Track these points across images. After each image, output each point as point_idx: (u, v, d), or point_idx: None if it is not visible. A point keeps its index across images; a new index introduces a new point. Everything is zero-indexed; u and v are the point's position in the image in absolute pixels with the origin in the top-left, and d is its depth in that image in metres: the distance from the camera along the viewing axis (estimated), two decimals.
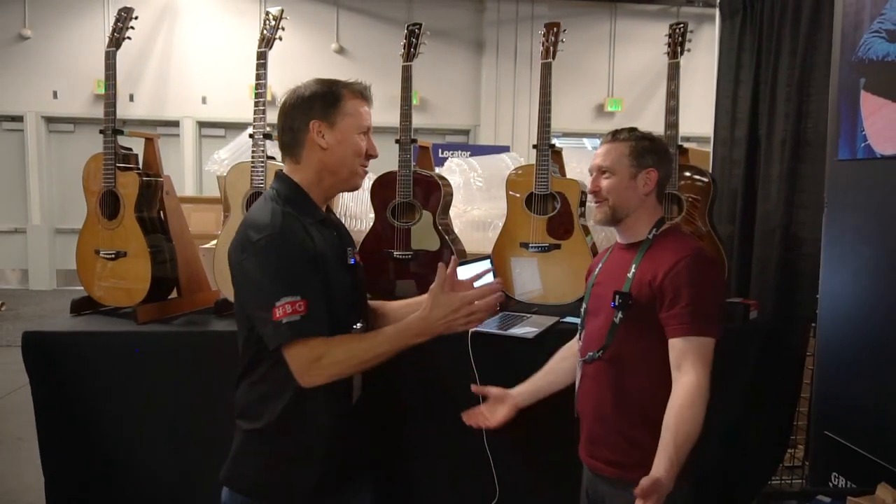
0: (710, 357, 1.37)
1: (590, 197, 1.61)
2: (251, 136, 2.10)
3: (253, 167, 2.08)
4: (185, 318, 2.13)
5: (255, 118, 2.08)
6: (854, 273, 1.61)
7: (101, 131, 2.08)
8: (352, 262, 1.44)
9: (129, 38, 2.13)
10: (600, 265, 1.62)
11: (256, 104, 2.10)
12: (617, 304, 1.46)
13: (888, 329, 1.46)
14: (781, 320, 2.36)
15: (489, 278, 2.22)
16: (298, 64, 7.64)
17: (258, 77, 2.09)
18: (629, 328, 1.46)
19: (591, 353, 1.52)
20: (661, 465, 1.27)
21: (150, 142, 2.20)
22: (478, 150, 5.00)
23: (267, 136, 2.08)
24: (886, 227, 1.48)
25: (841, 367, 1.64)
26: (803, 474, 2.67)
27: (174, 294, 2.22)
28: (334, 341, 1.28)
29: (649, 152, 1.50)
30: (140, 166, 2.18)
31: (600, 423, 1.52)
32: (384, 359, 1.30)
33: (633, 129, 1.55)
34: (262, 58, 2.09)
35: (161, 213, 2.19)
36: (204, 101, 7.78)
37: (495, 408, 1.63)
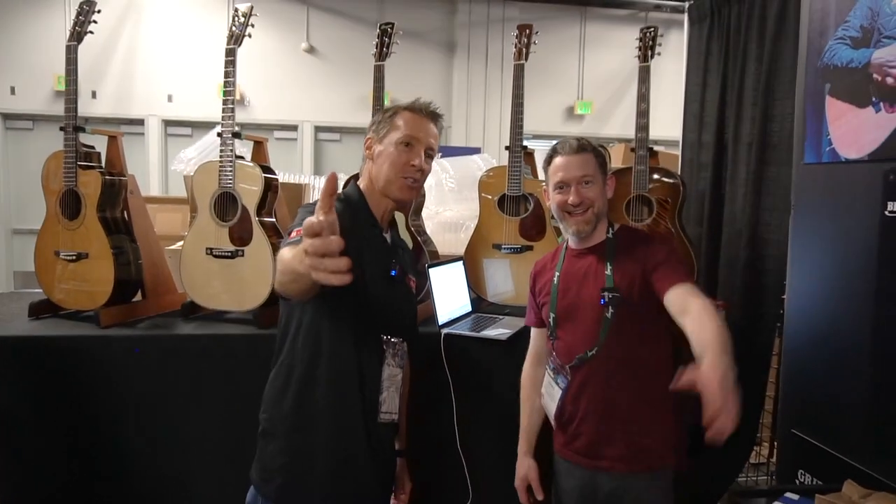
0: None
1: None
2: (219, 134, 2.05)
3: (221, 167, 2.03)
4: (150, 322, 2.07)
5: (223, 116, 2.04)
6: (819, 274, 1.64)
7: (61, 128, 2.01)
8: (392, 273, 1.47)
9: (91, 32, 2.06)
10: (557, 274, 1.62)
11: (225, 102, 2.05)
12: (607, 300, 1.49)
13: (852, 329, 1.50)
14: (748, 320, 2.40)
15: (462, 280, 2.22)
16: (268, 63, 7.53)
17: (227, 75, 2.05)
18: (623, 323, 1.49)
19: (580, 356, 1.53)
20: (715, 360, 1.14)
21: (113, 139, 2.14)
22: (449, 152, 5.00)
23: (236, 135, 2.04)
24: (850, 230, 1.51)
25: (807, 366, 1.68)
26: (768, 471, 2.73)
27: (139, 297, 2.16)
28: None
29: (606, 162, 1.62)
30: (103, 165, 2.12)
31: (609, 421, 1.52)
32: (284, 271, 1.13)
33: (587, 140, 1.61)
34: (230, 55, 2.05)
35: (125, 213, 2.13)
36: (170, 99, 7.60)
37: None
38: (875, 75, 1.42)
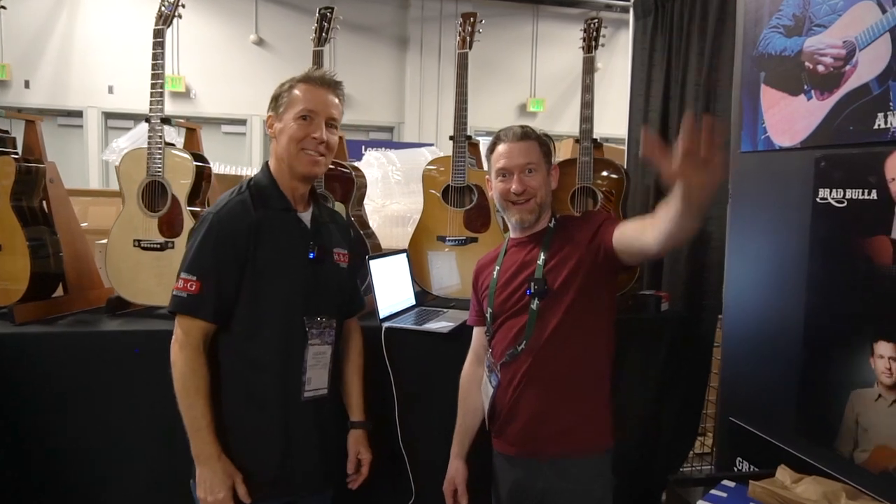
0: None
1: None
2: (147, 120, 1.95)
3: (149, 154, 1.93)
4: (72, 318, 1.95)
5: (151, 101, 1.95)
6: (755, 263, 1.65)
7: None
8: (311, 256, 1.44)
9: (3, 7, 1.93)
10: (497, 268, 1.58)
11: (153, 86, 1.96)
12: (533, 290, 1.45)
13: (784, 317, 1.51)
14: (691, 311, 2.43)
15: (406, 273, 2.17)
16: (215, 56, 7.31)
17: (155, 57, 1.97)
18: (551, 316, 1.44)
19: (509, 351, 1.48)
20: None
21: (31, 124, 2.01)
22: (402, 148, 4.95)
23: (165, 121, 1.94)
24: (783, 217, 1.53)
25: (744, 355, 1.69)
26: (712, 461, 2.77)
27: (60, 291, 2.03)
28: (196, 360, 1.34)
29: (551, 151, 1.57)
30: (19, 150, 1.98)
31: (540, 414, 1.47)
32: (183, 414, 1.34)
33: (531, 128, 1.56)
34: (158, 36, 1.97)
35: (44, 202, 1.99)
36: (111, 90, 7.29)
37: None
38: (807, 63, 1.44)
